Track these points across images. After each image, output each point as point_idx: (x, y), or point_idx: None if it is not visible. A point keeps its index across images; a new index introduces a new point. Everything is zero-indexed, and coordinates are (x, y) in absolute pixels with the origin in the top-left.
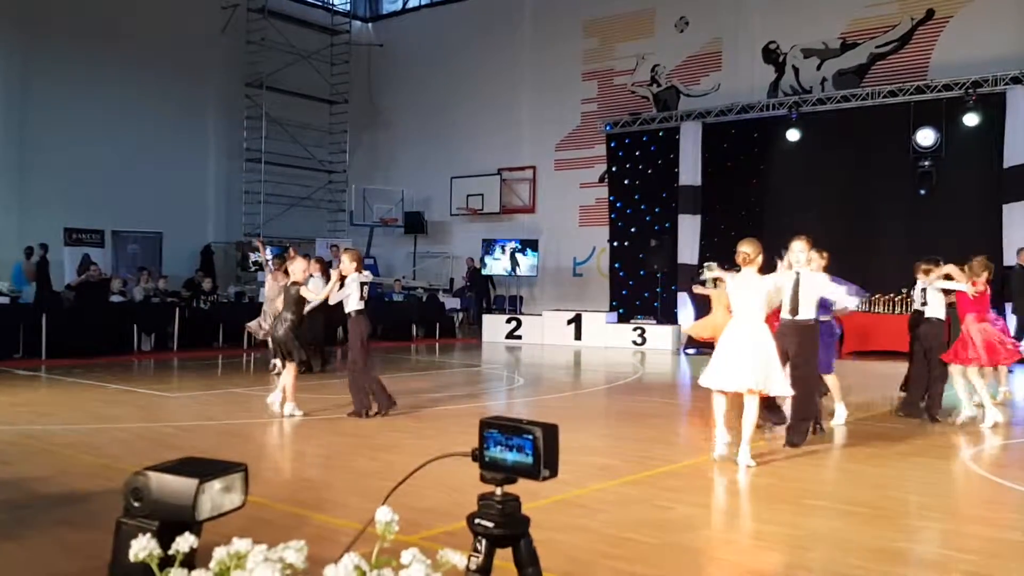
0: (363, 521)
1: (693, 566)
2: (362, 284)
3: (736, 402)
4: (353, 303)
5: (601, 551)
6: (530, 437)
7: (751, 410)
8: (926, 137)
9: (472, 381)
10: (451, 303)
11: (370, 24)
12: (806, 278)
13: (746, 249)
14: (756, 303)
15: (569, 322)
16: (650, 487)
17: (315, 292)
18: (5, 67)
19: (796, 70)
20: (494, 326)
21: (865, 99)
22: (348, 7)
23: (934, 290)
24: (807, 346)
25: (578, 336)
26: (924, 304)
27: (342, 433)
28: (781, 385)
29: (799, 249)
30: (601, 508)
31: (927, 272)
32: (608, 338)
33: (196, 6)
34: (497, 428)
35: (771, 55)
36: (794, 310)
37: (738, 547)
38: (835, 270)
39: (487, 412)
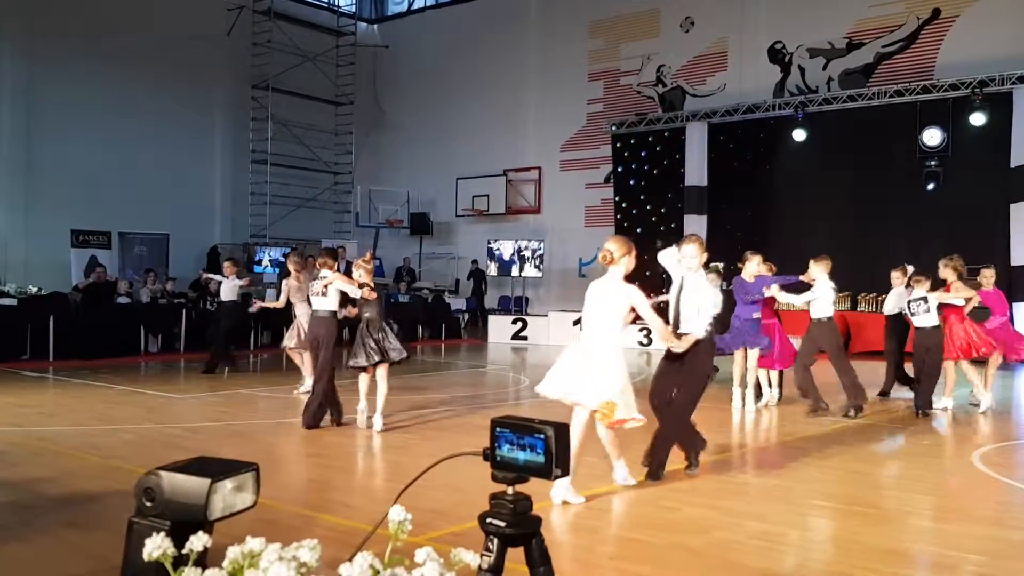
0: (370, 522)
1: (699, 567)
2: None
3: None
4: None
5: (609, 552)
6: (542, 436)
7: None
8: (932, 137)
9: (478, 382)
10: (456, 304)
11: (375, 25)
12: (690, 285)
13: (610, 247)
14: (612, 310)
15: (575, 323)
16: (656, 488)
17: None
18: (12, 70)
19: (802, 70)
20: (500, 327)
21: (871, 99)
22: (353, 9)
23: (934, 301)
24: (688, 367)
25: None
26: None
27: (348, 435)
28: (630, 415)
29: (690, 254)
30: (607, 509)
31: (919, 283)
32: None
33: (202, 8)
34: (509, 427)
35: (777, 55)
36: (675, 322)
37: (745, 548)
38: (842, 269)
39: (493, 413)
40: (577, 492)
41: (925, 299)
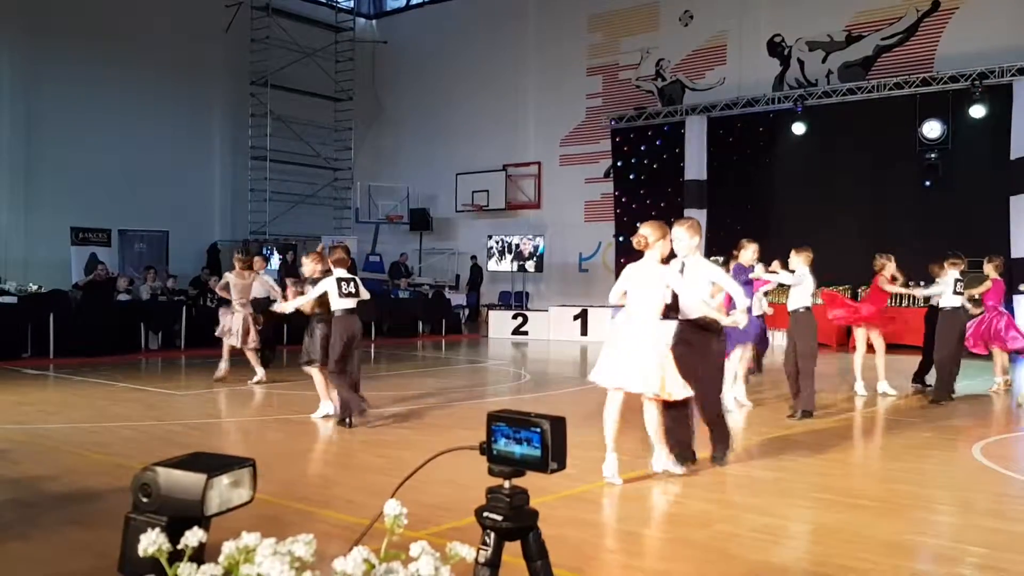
0: (370, 517)
1: (700, 560)
2: (339, 281)
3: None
4: (332, 303)
5: (609, 546)
6: (538, 430)
7: (651, 413)
8: (932, 129)
9: (478, 377)
10: (457, 299)
11: (374, 21)
12: (691, 268)
13: (644, 232)
14: (653, 295)
15: (575, 318)
16: (658, 482)
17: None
18: (11, 68)
19: (801, 63)
20: (500, 322)
21: (871, 92)
22: (352, 4)
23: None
24: (700, 352)
25: (584, 332)
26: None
27: (347, 430)
28: (681, 388)
29: (678, 236)
30: (609, 503)
31: (955, 266)
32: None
33: (200, 5)
34: (505, 421)
35: (776, 48)
36: (675, 308)
37: (747, 541)
38: (842, 261)
39: (493, 408)
40: (676, 463)
41: (961, 281)
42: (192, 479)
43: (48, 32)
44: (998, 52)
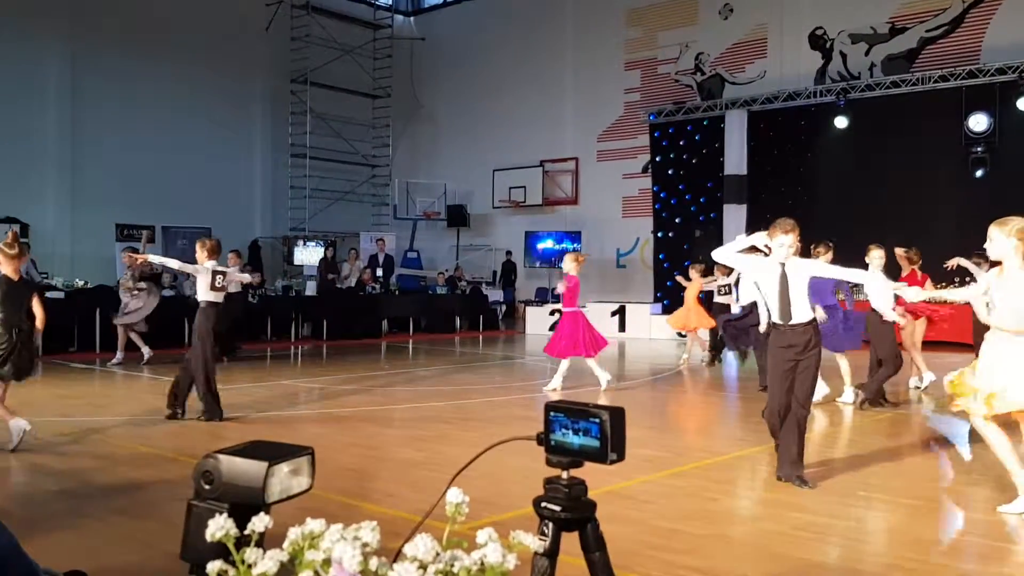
0: (413, 511)
1: (742, 558)
2: (214, 274)
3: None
4: (201, 293)
5: (649, 543)
6: (597, 421)
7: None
8: (979, 122)
9: (515, 373)
10: (494, 295)
11: (412, 18)
12: (793, 269)
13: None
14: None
15: (613, 314)
16: (697, 479)
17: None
18: (57, 67)
19: (844, 56)
20: (537, 318)
21: (915, 84)
22: (390, 1)
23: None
24: (811, 354)
25: (622, 328)
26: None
27: (387, 424)
28: None
29: (788, 243)
30: (648, 500)
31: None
32: (652, 330)
33: (241, 4)
34: (563, 412)
35: (818, 41)
36: (786, 313)
37: (788, 539)
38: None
39: (531, 403)
40: None
41: None
42: (253, 466)
43: (92, 32)
44: None
